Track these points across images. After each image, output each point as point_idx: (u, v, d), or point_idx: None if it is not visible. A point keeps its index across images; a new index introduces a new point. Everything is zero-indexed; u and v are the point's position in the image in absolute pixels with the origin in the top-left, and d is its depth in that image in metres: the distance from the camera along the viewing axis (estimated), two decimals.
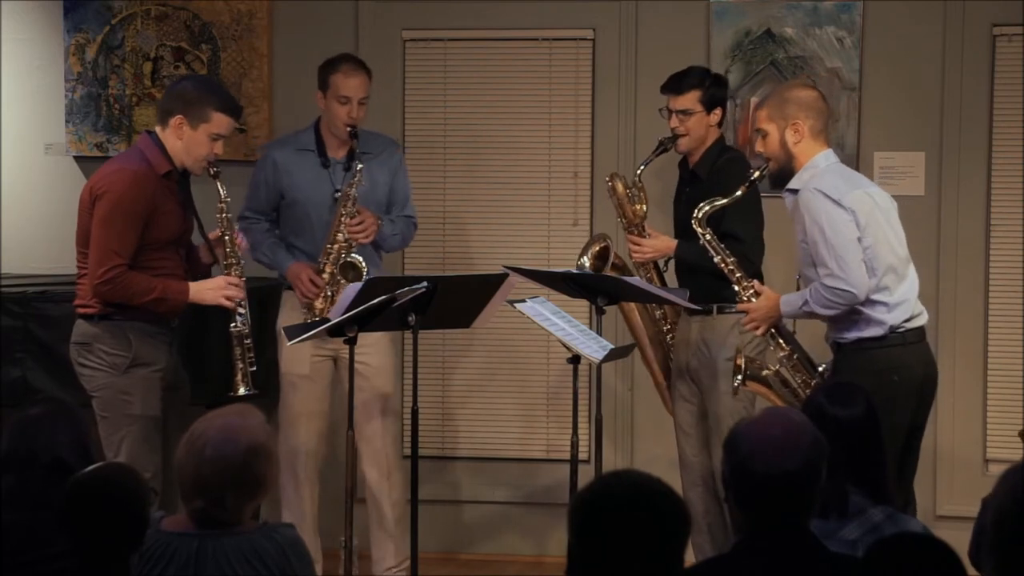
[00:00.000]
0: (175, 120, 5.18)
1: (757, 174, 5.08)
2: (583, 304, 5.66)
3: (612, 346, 5.10)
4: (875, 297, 4.90)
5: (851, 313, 4.91)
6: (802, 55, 6.29)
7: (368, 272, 5.58)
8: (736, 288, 5.12)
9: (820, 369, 5.08)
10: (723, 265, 5.12)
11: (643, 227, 5.58)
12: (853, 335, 4.94)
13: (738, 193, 5.11)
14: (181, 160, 5.20)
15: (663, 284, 5.63)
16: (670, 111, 5.57)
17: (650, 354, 5.75)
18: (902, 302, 4.94)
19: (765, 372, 5.06)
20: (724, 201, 5.13)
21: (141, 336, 5.16)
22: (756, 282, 5.12)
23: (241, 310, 5.21)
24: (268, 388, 6.01)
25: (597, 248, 5.61)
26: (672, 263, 5.67)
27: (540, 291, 5.56)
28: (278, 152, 5.84)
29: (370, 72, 5.77)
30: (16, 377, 5.83)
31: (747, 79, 6.28)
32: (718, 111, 5.57)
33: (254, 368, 5.21)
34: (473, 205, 6.41)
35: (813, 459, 3.22)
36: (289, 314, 5.67)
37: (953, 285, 6.24)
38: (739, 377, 5.03)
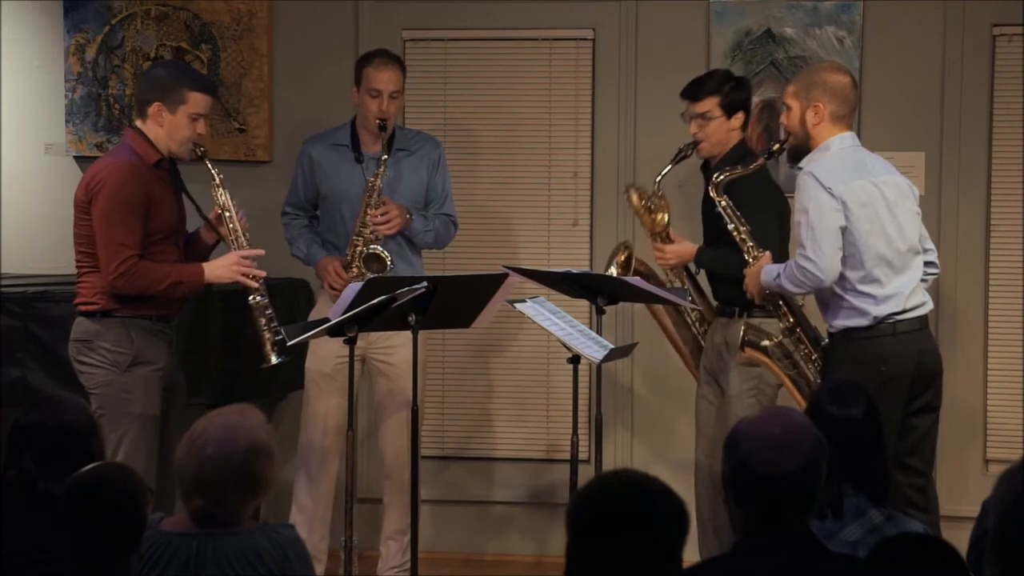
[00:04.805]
0: (153, 108, 5.19)
1: (776, 147, 5.13)
2: (583, 304, 5.66)
3: (612, 346, 5.10)
4: (862, 288, 4.93)
5: (837, 299, 4.95)
6: (802, 55, 6.29)
7: (395, 266, 5.59)
8: (747, 257, 5.15)
9: (824, 344, 5.09)
10: (736, 233, 5.18)
11: (667, 235, 5.56)
12: (840, 323, 4.98)
13: (758, 162, 5.17)
14: (167, 146, 5.21)
15: (696, 288, 5.63)
16: (690, 116, 5.54)
17: (689, 359, 5.75)
18: (893, 295, 4.96)
19: (766, 342, 5.09)
20: (744, 170, 5.18)
21: (143, 334, 5.16)
22: (768, 253, 5.15)
23: (256, 284, 5.21)
24: (268, 388, 6.02)
25: (622, 257, 5.60)
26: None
27: (540, 291, 5.55)
28: (314, 147, 5.87)
29: (404, 66, 5.79)
30: (16, 377, 5.82)
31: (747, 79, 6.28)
32: (740, 115, 5.50)
33: (280, 336, 5.16)
34: (473, 205, 6.41)
35: (813, 459, 3.22)
36: (321, 309, 5.67)
37: (953, 285, 6.25)
38: (739, 342, 5.06)
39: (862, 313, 4.94)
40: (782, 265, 5.04)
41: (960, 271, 6.25)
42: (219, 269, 5.21)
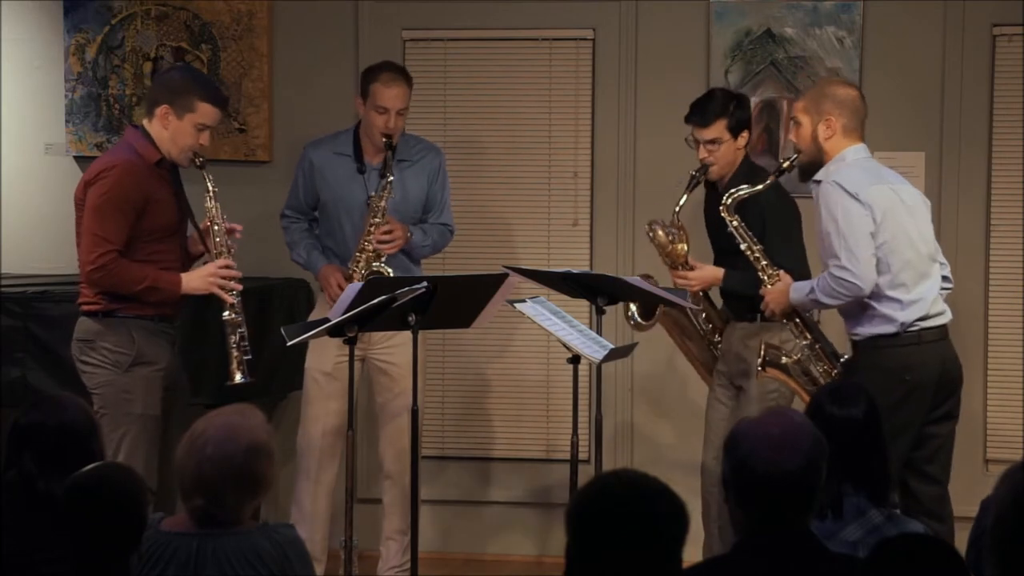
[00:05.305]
0: (161, 110, 5.18)
1: (787, 164, 5.11)
2: (583, 304, 5.66)
3: (612, 346, 5.10)
4: (890, 293, 4.92)
5: (864, 308, 4.94)
6: (802, 55, 6.29)
7: None
8: (761, 276, 5.14)
9: (843, 359, 5.08)
10: (750, 252, 5.16)
11: (687, 262, 5.52)
12: (866, 331, 4.96)
13: (768, 181, 5.15)
14: (168, 150, 5.20)
15: (711, 305, 5.62)
16: (696, 141, 5.48)
17: (700, 365, 5.74)
18: (917, 300, 4.96)
19: (785, 360, 5.08)
20: (752, 189, 5.15)
21: (145, 334, 5.16)
22: (782, 272, 5.14)
23: (233, 299, 5.20)
24: (268, 388, 6.02)
25: None
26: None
27: (540, 291, 5.55)
28: (315, 153, 5.85)
29: (411, 81, 5.76)
30: (16, 377, 5.82)
31: (747, 79, 6.28)
32: (745, 134, 5.47)
33: (249, 357, 5.18)
34: (473, 205, 6.41)
35: (813, 459, 3.22)
36: (320, 311, 5.65)
37: (953, 285, 6.24)
38: (759, 361, 5.06)
39: (889, 320, 4.93)
40: (813, 280, 5.01)
41: (960, 271, 6.23)
42: (195, 280, 5.20)
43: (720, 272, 5.47)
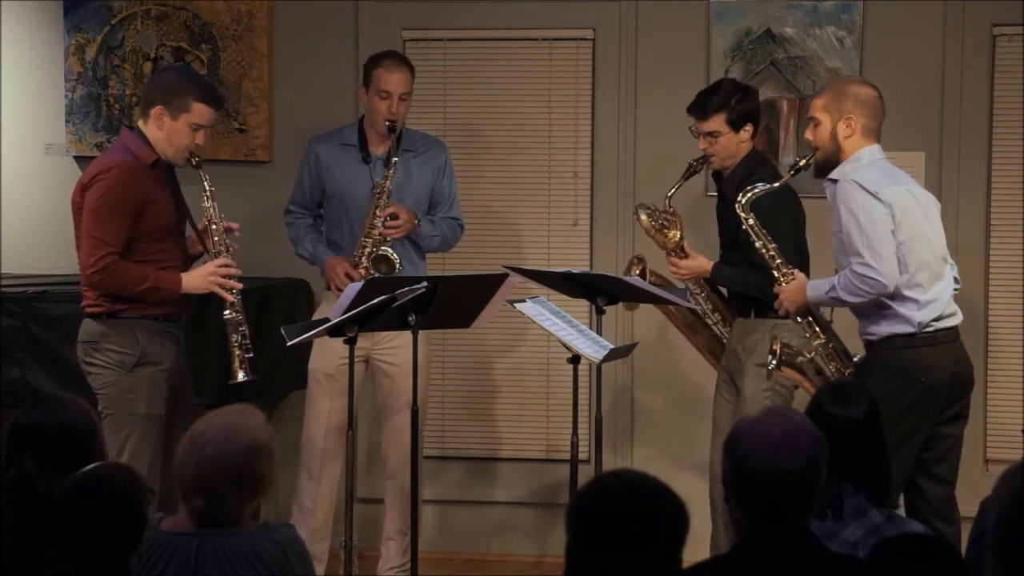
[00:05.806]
0: (156, 111, 5.18)
1: (803, 162, 5.09)
2: (583, 304, 5.66)
3: (612, 346, 5.10)
4: (907, 293, 4.92)
5: (881, 307, 4.93)
6: (802, 55, 6.30)
7: (403, 268, 5.59)
8: (776, 274, 5.13)
9: (855, 359, 5.08)
10: (764, 251, 5.13)
11: (682, 248, 5.52)
12: (883, 330, 4.95)
13: (785, 177, 5.15)
14: (163, 151, 5.20)
15: (718, 295, 5.62)
16: (698, 133, 5.47)
17: (711, 358, 5.74)
18: (933, 301, 4.96)
19: (800, 359, 5.07)
20: (768, 187, 5.14)
21: (149, 334, 5.16)
22: (797, 270, 5.13)
23: (233, 297, 5.20)
24: (269, 388, 6.02)
25: (636, 271, 5.58)
26: None
27: (540, 291, 5.56)
28: (320, 146, 5.87)
29: (413, 69, 5.78)
30: (16, 377, 5.82)
31: (747, 79, 6.26)
32: (748, 127, 5.45)
33: (251, 354, 5.19)
34: (473, 205, 6.40)
35: (813, 459, 3.22)
36: (325, 309, 5.65)
37: (961, 285, 6.24)
38: (773, 361, 5.05)
39: (907, 320, 4.93)
40: (832, 278, 5.00)
41: (960, 271, 6.21)
42: (195, 279, 5.20)
43: (709, 265, 5.47)
